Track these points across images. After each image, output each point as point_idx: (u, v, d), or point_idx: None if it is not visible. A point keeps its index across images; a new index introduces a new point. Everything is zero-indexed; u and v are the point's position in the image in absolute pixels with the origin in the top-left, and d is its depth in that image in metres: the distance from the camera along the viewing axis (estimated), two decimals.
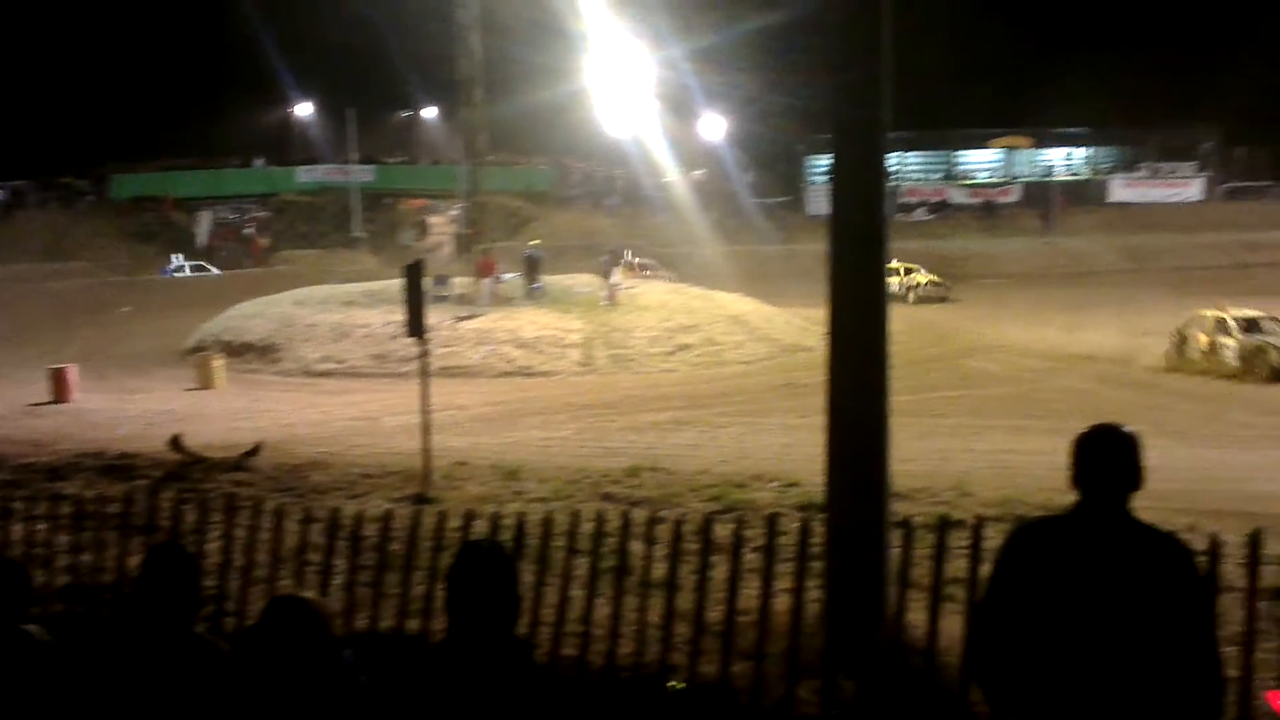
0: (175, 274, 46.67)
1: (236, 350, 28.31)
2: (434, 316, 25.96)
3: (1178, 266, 46.17)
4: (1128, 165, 60.25)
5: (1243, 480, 13.76)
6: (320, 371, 26.69)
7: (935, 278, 40.86)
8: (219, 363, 25.95)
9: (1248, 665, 5.31)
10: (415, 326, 12.83)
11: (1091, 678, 3.28)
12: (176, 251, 49.76)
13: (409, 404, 14.97)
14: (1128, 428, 3.50)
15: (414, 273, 13.02)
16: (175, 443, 14.27)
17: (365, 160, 56.78)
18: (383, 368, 25.88)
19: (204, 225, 53.32)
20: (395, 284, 18.21)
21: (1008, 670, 3.43)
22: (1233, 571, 5.75)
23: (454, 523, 7.35)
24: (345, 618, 6.95)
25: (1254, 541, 5.51)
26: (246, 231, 53.41)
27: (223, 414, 20.73)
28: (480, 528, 7.13)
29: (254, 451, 13.91)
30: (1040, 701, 3.35)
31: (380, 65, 51.96)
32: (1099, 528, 3.37)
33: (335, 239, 52.83)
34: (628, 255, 39.23)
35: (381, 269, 41.60)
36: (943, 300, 39.24)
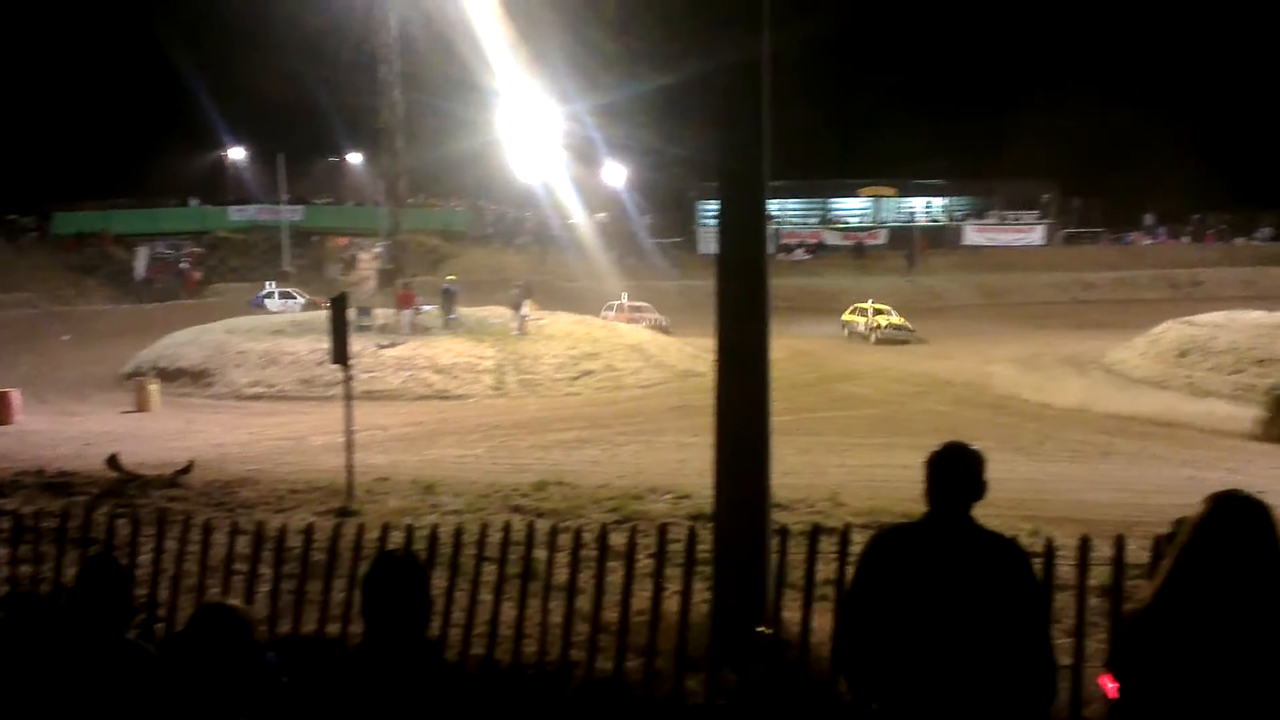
0: (265, 300, 44.53)
1: (171, 375, 27.65)
2: (357, 344, 25.63)
3: (1023, 302, 47.38)
4: (979, 213, 61.57)
5: (1077, 490, 14.16)
6: (250, 395, 26.17)
7: (900, 321, 37.34)
8: (154, 387, 25.36)
9: (1079, 653, 5.45)
10: (339, 353, 12.66)
11: (941, 666, 3.33)
12: (119, 284, 48.57)
13: (333, 425, 14.74)
14: (973, 446, 3.56)
15: (338, 304, 12.86)
16: (112, 461, 13.87)
17: (294, 201, 55.98)
18: (309, 391, 25.48)
19: (142, 260, 51.94)
20: (321, 315, 17.95)
21: (869, 660, 3.47)
22: (1068, 571, 5.91)
23: (373, 534, 7.22)
24: (270, 623, 6.80)
25: (1084, 545, 5.67)
26: (181, 265, 52.15)
27: (157, 435, 20.20)
28: (396, 538, 7.03)
29: (186, 469, 13.57)
30: (897, 688, 3.39)
31: (309, 114, 51.40)
32: (946, 534, 3.44)
33: (265, 273, 51.84)
34: (623, 298, 38.86)
35: (309, 301, 41.08)
36: (905, 343, 35.29)
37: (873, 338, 36.26)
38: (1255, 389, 23.36)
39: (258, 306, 42.60)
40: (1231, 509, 2.74)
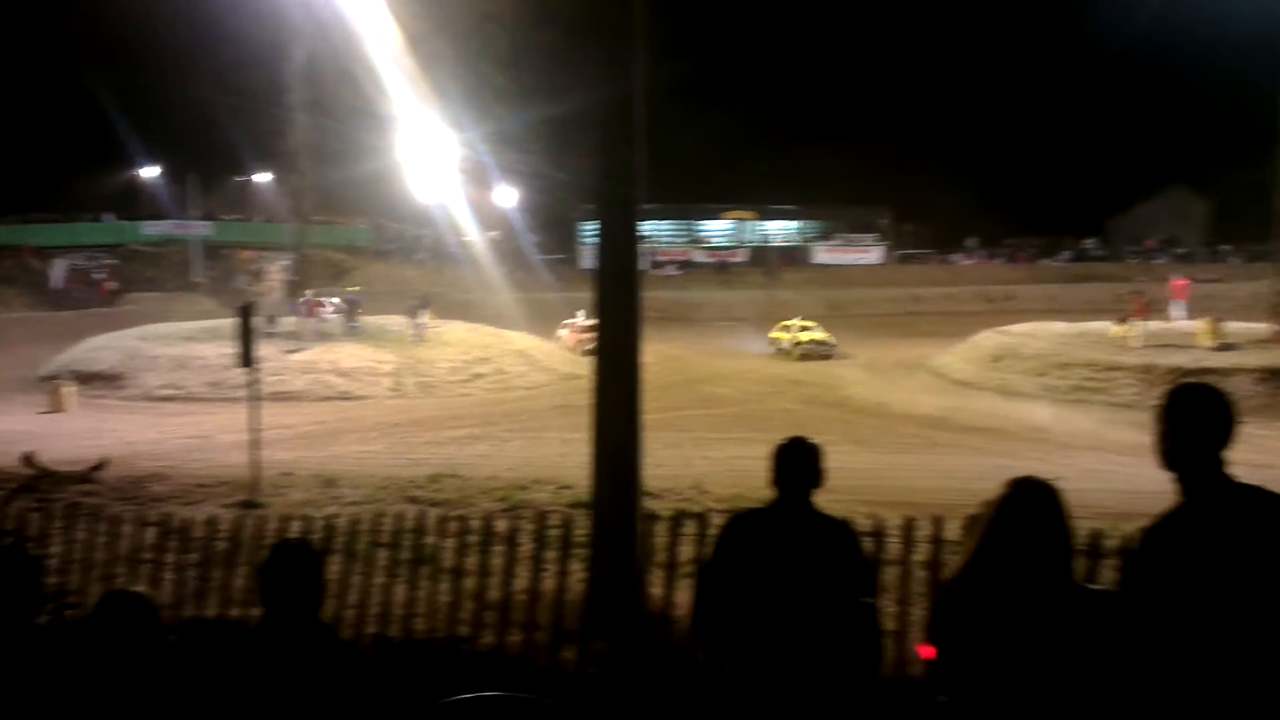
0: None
1: (86, 379, 26.36)
2: (264, 350, 24.82)
3: (864, 314, 48.46)
4: (827, 235, 62.94)
5: (909, 478, 14.58)
6: (162, 397, 25.14)
7: (824, 336, 34.73)
8: (70, 389, 24.18)
9: (904, 621, 5.59)
10: (245, 358, 12.35)
11: (783, 633, 3.39)
12: (37, 294, 46.24)
13: (241, 424, 14.28)
14: (813, 439, 3.63)
15: (245, 313, 12.55)
16: (27, 459, 13.19)
17: (205, 217, 54.16)
18: (218, 393, 24.59)
19: (58, 271, 49.55)
20: (230, 322, 17.39)
21: (722, 629, 3.52)
22: (899, 548, 6.06)
23: (275, 524, 7.04)
24: (174, 608, 6.56)
25: (908, 525, 5.83)
26: (96, 276, 49.96)
27: (72, 434, 19.25)
28: (296, 528, 6.85)
29: (100, 466, 12.99)
30: (746, 653, 3.44)
31: (220, 135, 49.95)
32: (789, 517, 3.50)
33: (177, 284, 50.02)
34: (578, 316, 34.79)
35: (219, 310, 39.59)
36: (827, 358, 33.11)
37: (796, 353, 33.54)
38: (1057, 389, 24.42)
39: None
40: (1027, 491, 2.85)
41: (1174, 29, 48.43)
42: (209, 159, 54.34)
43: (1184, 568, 2.69)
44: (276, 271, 48.04)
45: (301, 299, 32.86)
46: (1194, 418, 2.81)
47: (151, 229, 54.66)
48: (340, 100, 35.31)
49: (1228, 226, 57.94)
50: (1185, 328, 30.02)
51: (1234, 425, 2.81)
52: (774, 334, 35.88)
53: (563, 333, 34.96)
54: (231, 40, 34.78)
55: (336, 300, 34.24)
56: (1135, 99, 60.62)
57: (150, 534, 7.20)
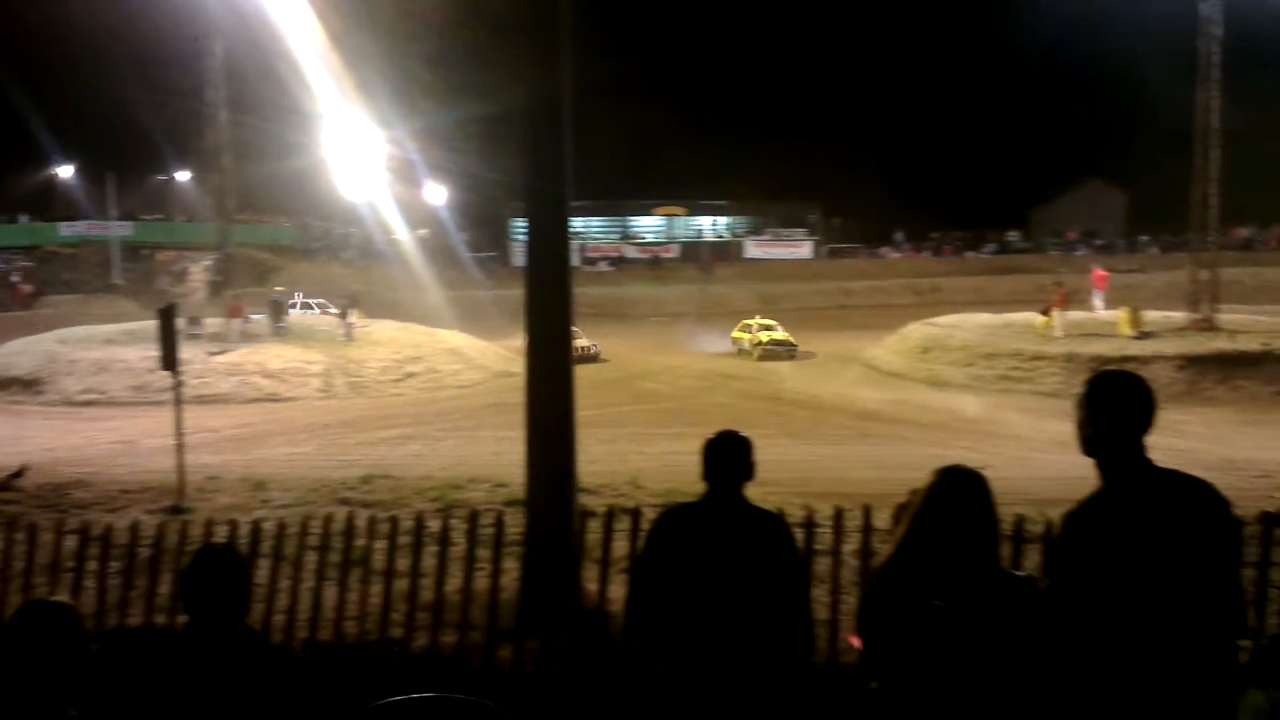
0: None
1: (3, 384, 25.55)
2: (188, 352, 24.30)
3: (795, 308, 48.74)
4: (758, 230, 63.39)
5: (842, 469, 14.72)
6: (82, 401, 24.42)
7: (784, 336, 33.19)
8: None
9: (836, 610, 5.65)
10: (169, 360, 12.04)
11: (716, 626, 3.41)
12: None
13: (166, 428, 13.93)
14: (742, 433, 3.65)
15: (167, 314, 12.25)
16: None
17: (124, 217, 52.72)
18: (142, 397, 23.97)
19: None
20: (152, 324, 16.97)
21: (656, 623, 3.52)
22: (830, 539, 6.11)
23: (198, 529, 6.87)
24: (97, 617, 6.38)
25: (838, 515, 5.89)
26: (12, 279, 48.45)
27: None
28: (222, 532, 6.70)
29: (19, 474, 12.62)
30: (680, 646, 3.45)
31: (139, 134, 48.71)
32: (720, 511, 3.52)
33: (97, 285, 48.75)
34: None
35: (141, 312, 38.63)
36: (791, 358, 31.73)
37: (755, 354, 32.02)
38: (984, 379, 24.88)
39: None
40: (954, 479, 2.90)
41: (1092, 26, 49.76)
42: (128, 158, 53.02)
43: (1104, 551, 2.76)
44: (199, 272, 47.03)
45: (273, 297, 32.30)
46: (1114, 404, 2.88)
47: (68, 230, 53.16)
48: (263, 97, 34.67)
49: (1145, 218, 59.68)
50: (1106, 317, 30.80)
51: (1153, 411, 2.89)
52: (735, 334, 34.70)
53: None
54: (150, 37, 33.97)
55: (321, 301, 33.00)
56: (1055, 95, 62.01)
57: (71, 542, 7.00)
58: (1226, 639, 2.77)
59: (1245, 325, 27.88)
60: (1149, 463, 2.86)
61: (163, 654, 2.83)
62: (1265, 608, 5.24)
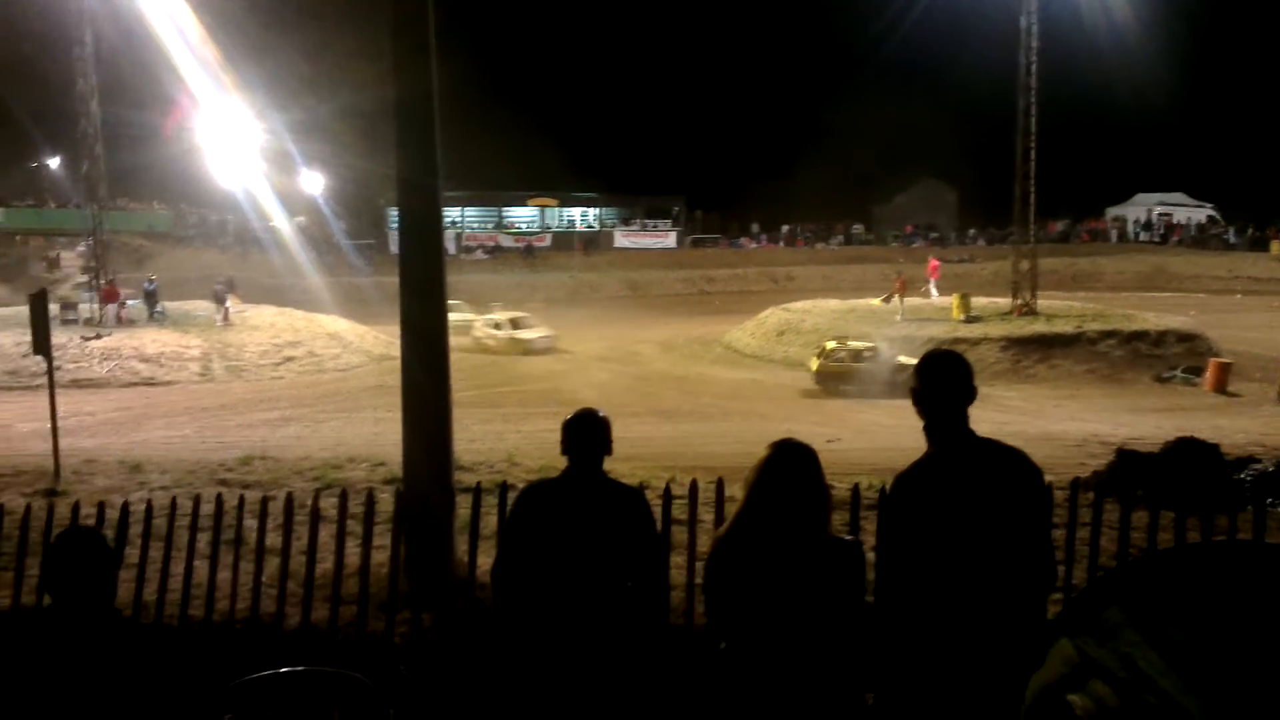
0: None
1: None
2: (63, 337, 23.08)
3: (662, 294, 49.32)
4: (626, 221, 63.62)
5: (705, 444, 14.89)
6: None
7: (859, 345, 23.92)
8: None
9: (692, 575, 5.65)
10: (41, 345, 11.38)
11: (571, 593, 3.42)
12: None
13: (41, 412, 13.15)
14: (600, 411, 3.64)
15: (38, 300, 11.60)
16: None
17: None
18: (16, 381, 22.58)
19: None
20: (25, 310, 15.95)
21: (516, 589, 3.51)
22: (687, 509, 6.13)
23: (66, 511, 6.49)
24: None
25: (693, 487, 5.88)
26: None
27: None
28: (91, 514, 6.33)
29: None
30: (535, 610, 3.45)
31: (8, 119, 45.76)
32: (580, 486, 3.52)
33: None
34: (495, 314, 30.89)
35: (13, 297, 36.33)
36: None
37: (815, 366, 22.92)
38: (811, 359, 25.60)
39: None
40: (785, 452, 2.96)
41: (928, 39, 51.50)
42: None
43: (927, 507, 2.91)
44: (74, 257, 44.53)
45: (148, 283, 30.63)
46: (939, 379, 3.01)
47: None
48: (137, 85, 33.03)
49: (974, 213, 62.30)
50: (940, 303, 32.04)
51: (972, 385, 3.02)
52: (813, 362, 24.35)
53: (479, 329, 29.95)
54: (21, 21, 31.90)
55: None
56: (895, 100, 63.99)
57: None
58: (1038, 593, 2.92)
59: (1061, 310, 29.40)
60: (971, 432, 2.99)
61: (27, 636, 2.65)
62: (1073, 565, 5.53)
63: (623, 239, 60.95)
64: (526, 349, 28.60)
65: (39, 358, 12.24)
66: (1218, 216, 62.10)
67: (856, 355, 21.91)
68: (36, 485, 10.74)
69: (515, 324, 30.26)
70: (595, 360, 27.51)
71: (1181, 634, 2.06)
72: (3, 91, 42.55)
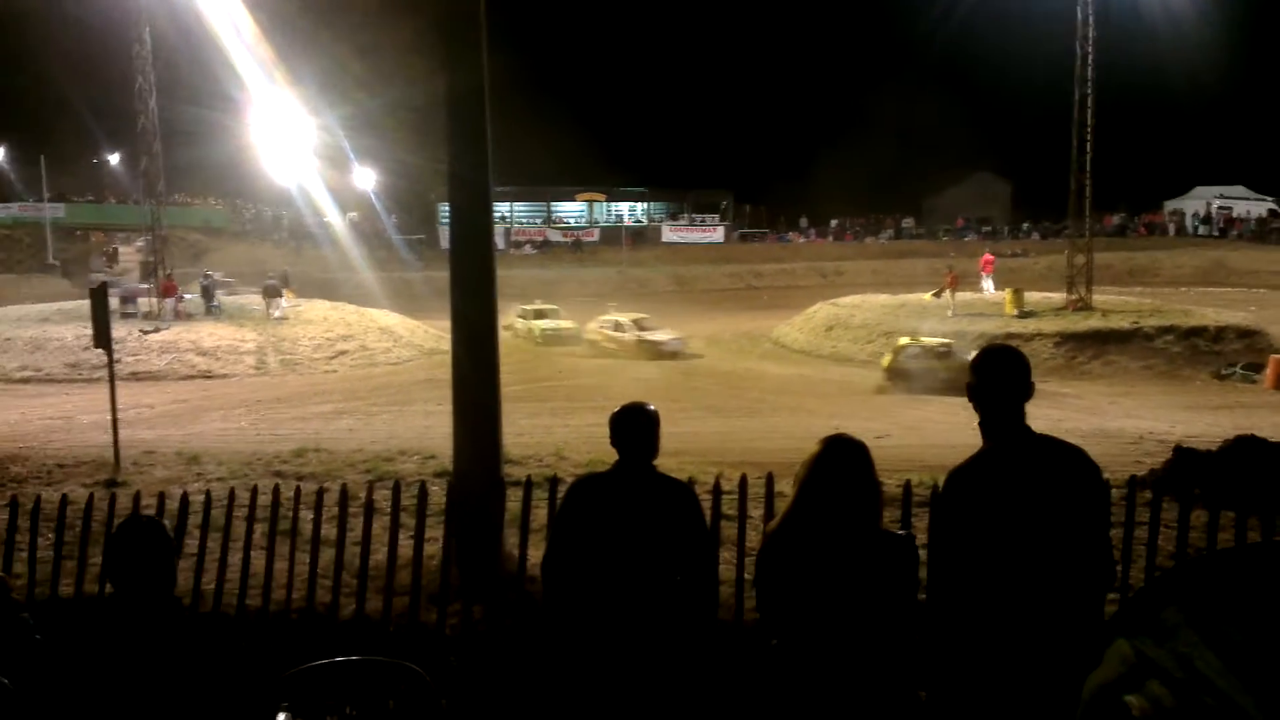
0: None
1: None
2: (122, 330, 23.63)
3: (709, 289, 49.18)
4: (674, 216, 63.56)
5: (753, 439, 14.79)
6: (18, 379, 23.46)
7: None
8: None
9: (740, 567, 5.65)
10: (102, 339, 11.65)
11: (621, 587, 3.43)
12: None
13: (101, 404, 13.46)
14: (650, 407, 3.64)
15: (99, 294, 11.85)
16: None
17: (56, 198, 50.76)
18: (78, 374, 23.18)
19: None
20: (86, 304, 16.36)
21: (566, 582, 3.53)
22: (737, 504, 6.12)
23: (127, 502, 6.64)
24: (29, 586, 6.14)
25: (743, 481, 5.85)
26: None
27: None
28: (152, 504, 6.47)
29: None
30: (584, 603, 3.46)
31: (72, 116, 46.99)
32: (630, 480, 3.52)
33: (31, 265, 46.84)
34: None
35: (74, 291, 37.26)
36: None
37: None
38: (883, 354, 25.26)
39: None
40: (837, 447, 2.95)
41: (979, 32, 50.74)
42: (60, 140, 51.03)
43: (982, 504, 2.87)
44: (133, 252, 45.53)
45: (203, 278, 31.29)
46: (996, 375, 2.97)
47: (1, 211, 51.04)
48: (194, 82, 33.66)
49: (1028, 207, 61.24)
50: (993, 298, 31.59)
51: (1030, 382, 2.98)
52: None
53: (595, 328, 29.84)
54: (83, 19, 32.67)
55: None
56: (948, 93, 63.10)
57: (3, 515, 6.72)
58: (1096, 593, 2.87)
59: (1117, 305, 28.85)
60: (1027, 428, 2.95)
61: (90, 624, 2.73)
62: (1130, 565, 5.42)
63: (670, 234, 60.90)
64: (657, 352, 26.79)
65: (99, 351, 12.55)
66: (1279, 210, 60.47)
67: (931, 352, 21.75)
68: (97, 476, 11.00)
69: (640, 325, 28.59)
70: (644, 352, 27.43)
71: (1240, 635, 2.02)
72: (65, 89, 43.72)
